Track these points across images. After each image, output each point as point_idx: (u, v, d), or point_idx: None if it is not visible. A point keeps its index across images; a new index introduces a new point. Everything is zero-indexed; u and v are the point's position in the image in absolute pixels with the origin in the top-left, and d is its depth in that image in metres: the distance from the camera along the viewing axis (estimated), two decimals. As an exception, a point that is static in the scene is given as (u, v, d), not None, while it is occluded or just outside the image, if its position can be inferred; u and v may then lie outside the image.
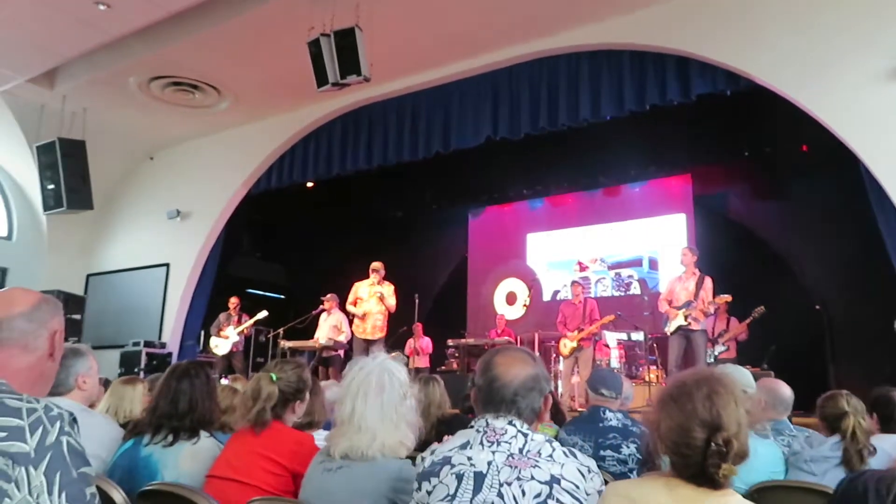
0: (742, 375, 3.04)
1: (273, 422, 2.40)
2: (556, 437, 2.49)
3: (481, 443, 1.68)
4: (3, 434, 1.20)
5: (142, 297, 9.94)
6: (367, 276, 8.24)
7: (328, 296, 8.82)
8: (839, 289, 8.66)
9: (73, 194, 8.58)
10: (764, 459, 2.77)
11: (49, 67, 8.09)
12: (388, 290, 8.18)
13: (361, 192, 10.88)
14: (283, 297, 13.05)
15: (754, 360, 7.35)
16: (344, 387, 2.09)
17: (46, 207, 8.84)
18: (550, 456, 1.64)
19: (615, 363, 8.71)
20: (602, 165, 10.12)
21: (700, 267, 7.16)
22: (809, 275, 9.31)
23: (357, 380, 2.07)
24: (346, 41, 6.14)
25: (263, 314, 8.97)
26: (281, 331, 8.86)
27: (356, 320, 8.16)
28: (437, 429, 3.26)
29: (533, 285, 10.67)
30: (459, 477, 1.63)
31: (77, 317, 9.28)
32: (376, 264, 8.19)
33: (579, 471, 1.63)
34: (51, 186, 8.63)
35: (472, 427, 1.75)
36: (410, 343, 10.09)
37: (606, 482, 1.71)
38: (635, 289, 10.79)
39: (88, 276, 10.68)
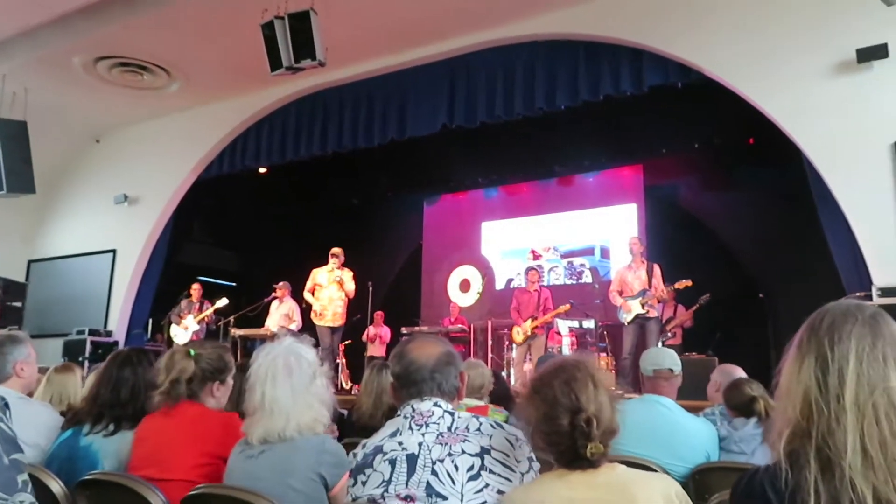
0: (666, 356, 3.13)
1: (188, 402, 2.29)
2: (506, 422, 2.52)
3: (410, 427, 1.72)
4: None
5: (87, 285, 9.65)
6: (323, 264, 8.16)
7: (280, 283, 8.72)
8: (781, 277, 8.93)
9: (13, 177, 8.24)
10: (702, 438, 2.86)
11: (-13, 44, 7.77)
12: (348, 275, 8.10)
13: (316, 178, 10.77)
14: (234, 284, 12.84)
15: (700, 346, 7.54)
16: (252, 373, 2.06)
17: (-14, 190, 8.50)
18: (478, 429, 1.70)
19: (567, 350, 8.82)
20: (556, 155, 10.21)
21: (647, 256, 7.37)
22: (754, 264, 9.59)
23: (264, 365, 2.06)
24: (300, 24, 6.03)
25: (224, 302, 8.79)
26: (232, 319, 8.72)
27: (315, 309, 8.01)
28: (388, 416, 3.25)
29: (487, 273, 10.73)
30: (392, 462, 1.66)
31: (18, 304, 8.98)
32: (336, 249, 8.09)
33: (507, 440, 1.69)
34: (-10, 169, 8.29)
35: (398, 415, 1.78)
36: (369, 330, 10.08)
37: (552, 465, 1.75)
38: (587, 277, 10.94)
39: (30, 262, 10.33)
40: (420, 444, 1.66)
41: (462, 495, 1.58)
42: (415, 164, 10.51)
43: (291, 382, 2.03)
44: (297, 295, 8.68)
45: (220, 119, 9.14)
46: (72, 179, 10.43)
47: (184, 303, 8.93)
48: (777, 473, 1.18)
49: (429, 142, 8.08)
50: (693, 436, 2.85)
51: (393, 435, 1.73)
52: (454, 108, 7.54)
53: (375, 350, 10.01)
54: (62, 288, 9.86)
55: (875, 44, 5.45)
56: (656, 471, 2.37)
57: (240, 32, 6.83)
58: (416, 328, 9.65)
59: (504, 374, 8.16)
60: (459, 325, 9.60)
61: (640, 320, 7.08)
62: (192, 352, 2.35)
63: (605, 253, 10.98)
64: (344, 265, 8.15)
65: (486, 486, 1.59)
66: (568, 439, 1.48)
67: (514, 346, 8.46)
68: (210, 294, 9.10)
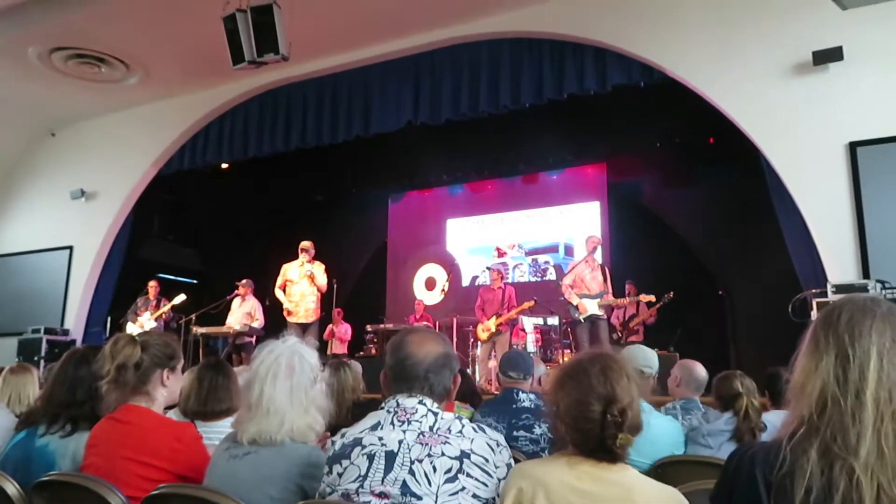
0: (645, 355, 3.17)
1: (134, 407, 2.17)
2: (471, 419, 2.52)
3: (392, 423, 1.70)
4: None
5: (42, 282, 9.40)
6: (288, 260, 8.04)
7: (243, 281, 8.60)
8: (740, 275, 9.12)
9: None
10: (664, 435, 2.91)
11: (-64, 33, 7.50)
12: (319, 269, 7.88)
13: (279, 175, 10.65)
14: (196, 282, 12.63)
15: (662, 343, 7.66)
16: (253, 370, 2.02)
17: (-66, 184, 8.23)
18: (460, 432, 1.67)
19: (531, 347, 8.88)
20: (521, 153, 10.26)
21: (603, 257, 7.56)
22: (714, 261, 9.77)
23: (266, 363, 2.01)
24: (263, 18, 5.95)
25: (181, 298, 8.55)
26: (193, 317, 8.57)
27: (287, 307, 7.76)
28: (353, 412, 3.24)
29: (452, 271, 10.74)
30: (370, 457, 1.64)
31: (-31, 302, 8.72)
32: (306, 243, 7.86)
33: (488, 444, 1.67)
34: (-61, 162, 8.03)
35: (382, 408, 1.76)
36: (329, 328, 10.01)
37: (518, 461, 1.76)
38: (551, 274, 11.02)
39: (-18, 258, 10.04)
40: (400, 442, 1.64)
41: (437, 497, 1.57)
42: (380, 161, 10.47)
43: (291, 383, 1.98)
44: (259, 293, 8.57)
45: (181, 113, 8.98)
46: (26, 174, 10.14)
47: (140, 300, 8.69)
48: (773, 454, 1.18)
49: (394, 138, 8.05)
50: (658, 434, 2.88)
51: (374, 428, 1.71)
52: (419, 105, 7.52)
53: (336, 348, 9.94)
54: (17, 285, 9.59)
55: (830, 46, 5.60)
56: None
57: (201, 25, 6.71)
58: (381, 326, 9.61)
59: (469, 371, 8.17)
60: (425, 323, 9.59)
61: (593, 318, 7.21)
62: (137, 338, 2.26)
63: (569, 250, 11.08)
64: (314, 259, 7.95)
65: (463, 489, 1.58)
66: (597, 427, 1.48)
67: (478, 343, 8.49)
68: (169, 291, 8.91)
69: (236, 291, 8.57)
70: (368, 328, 9.66)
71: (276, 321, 7.98)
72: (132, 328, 8.52)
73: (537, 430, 3.00)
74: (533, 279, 11.26)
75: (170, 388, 2.29)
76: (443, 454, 1.61)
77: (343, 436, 1.75)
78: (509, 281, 10.64)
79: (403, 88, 7.61)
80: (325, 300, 9.07)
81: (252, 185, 11.06)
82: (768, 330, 6.22)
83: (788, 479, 1.15)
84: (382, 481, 1.60)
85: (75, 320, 9.08)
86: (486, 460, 1.64)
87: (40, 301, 9.31)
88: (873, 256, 5.36)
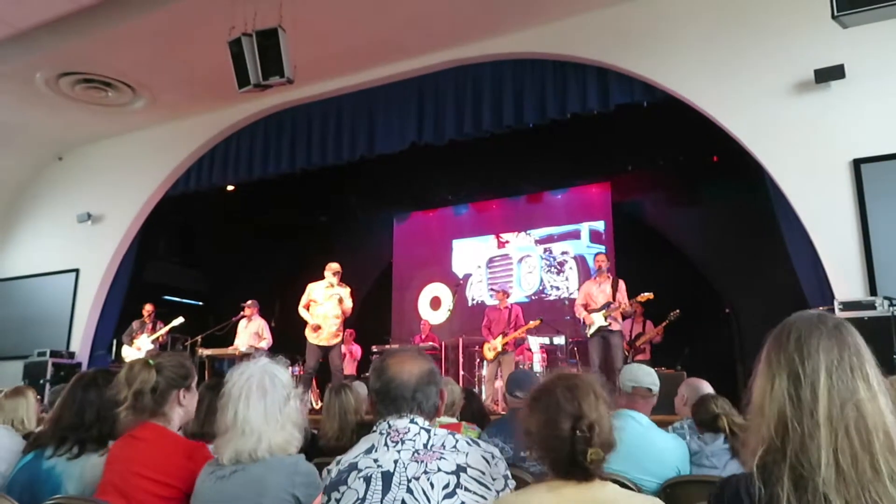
0: (648, 372, 3.15)
1: (151, 424, 2.22)
2: (479, 439, 2.51)
3: (385, 444, 1.71)
4: None
5: (48, 305, 9.41)
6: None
7: (249, 302, 8.61)
8: (746, 292, 9.09)
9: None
10: (671, 454, 2.88)
11: (-54, 60, 7.60)
12: (346, 291, 7.70)
13: (285, 196, 10.69)
14: (201, 303, 12.65)
15: (668, 361, 7.62)
16: (226, 393, 2.02)
17: (-57, 209, 8.29)
18: (454, 447, 1.68)
19: (538, 367, 8.85)
20: (525, 172, 10.29)
21: (613, 272, 7.47)
22: (720, 279, 9.75)
23: (238, 384, 2.02)
24: (268, 42, 6.01)
25: (179, 321, 8.57)
26: (199, 338, 8.57)
27: (311, 325, 7.54)
28: (358, 433, 3.23)
29: (457, 291, 10.73)
30: (367, 479, 1.64)
31: (-24, 325, 8.73)
32: (335, 265, 7.69)
33: (483, 457, 1.68)
34: (-53, 186, 8.09)
35: (374, 431, 1.77)
36: (345, 349, 9.99)
37: (525, 482, 1.75)
38: (570, 268, 10.87)
39: (-11, 282, 10.07)
40: (395, 462, 1.65)
41: None
42: (384, 182, 10.51)
43: (265, 403, 1.99)
44: (265, 313, 8.57)
45: (187, 136, 9.05)
46: (34, 198, 10.20)
47: (136, 324, 8.70)
48: (751, 485, 1.19)
49: (398, 159, 8.07)
50: (664, 452, 2.87)
51: (368, 451, 1.71)
52: (423, 126, 7.56)
53: (346, 369, 9.91)
54: (23, 308, 9.61)
55: (832, 64, 5.62)
56: (628, 486, 2.39)
57: (206, 49, 6.78)
58: (387, 346, 9.59)
59: (475, 391, 8.13)
60: (430, 343, 9.58)
61: (603, 333, 7.13)
62: (151, 361, 2.29)
63: (595, 236, 10.87)
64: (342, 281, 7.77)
65: (462, 503, 1.58)
66: (568, 445, 1.48)
67: (485, 363, 8.46)
68: (174, 313, 8.92)
69: (242, 313, 8.58)
70: (374, 349, 9.64)
71: (282, 341, 7.97)
72: (128, 351, 8.52)
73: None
74: (547, 274, 11.07)
75: (186, 406, 2.33)
76: (439, 469, 1.62)
77: (338, 463, 1.75)
78: (514, 276, 10.58)
79: (407, 110, 7.66)
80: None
81: (257, 207, 11.11)
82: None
83: None
84: (381, 502, 1.60)
85: (81, 343, 9.08)
86: (483, 473, 1.65)
87: (46, 324, 9.32)
88: (880, 273, 5.34)
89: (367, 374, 9.26)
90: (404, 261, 12.58)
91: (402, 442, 1.69)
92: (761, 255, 8.02)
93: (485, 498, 1.62)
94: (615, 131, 8.10)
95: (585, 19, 6.81)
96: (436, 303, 11.89)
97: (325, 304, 7.57)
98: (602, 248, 10.27)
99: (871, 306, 5.04)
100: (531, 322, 8.06)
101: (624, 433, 2.81)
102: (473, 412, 3.89)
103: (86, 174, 9.87)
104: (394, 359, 1.86)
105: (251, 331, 8.43)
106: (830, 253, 5.58)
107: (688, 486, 2.63)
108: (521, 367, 8.36)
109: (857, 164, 5.54)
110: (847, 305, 5.11)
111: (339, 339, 7.65)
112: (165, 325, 8.63)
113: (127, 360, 8.44)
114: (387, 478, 1.63)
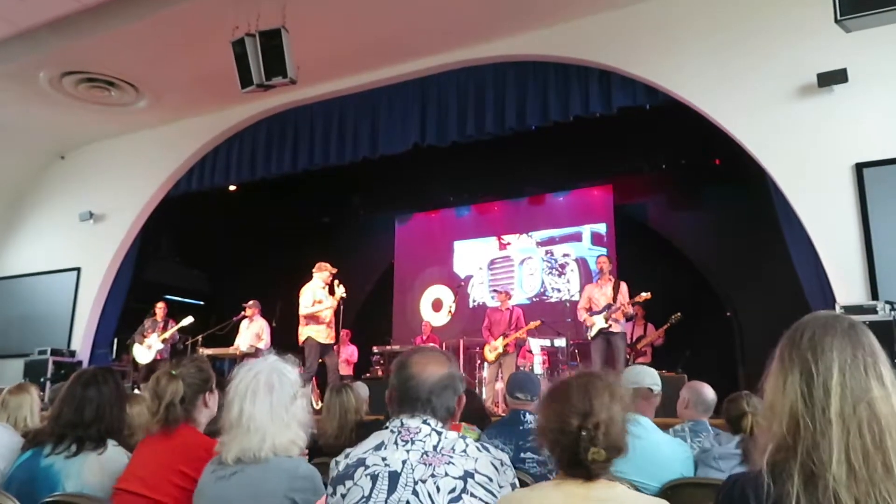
0: (650, 373, 3.14)
1: (183, 424, 2.28)
2: (478, 440, 2.51)
3: (395, 442, 1.69)
4: None
5: (50, 303, 9.42)
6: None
7: (250, 302, 8.62)
8: (748, 295, 9.08)
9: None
10: (672, 457, 2.87)
11: (-50, 58, 7.62)
12: (341, 290, 7.73)
13: (287, 196, 10.70)
14: (203, 303, 12.65)
15: (670, 364, 7.61)
16: (232, 389, 2.02)
17: (-55, 207, 8.30)
18: (464, 451, 1.67)
19: (538, 369, 8.84)
20: (528, 174, 10.30)
21: (615, 274, 7.48)
22: (721, 282, 9.73)
23: (245, 381, 2.01)
24: (271, 42, 6.03)
25: (188, 320, 8.56)
26: (200, 338, 8.58)
27: (315, 324, 7.51)
28: (357, 433, 3.24)
29: (458, 292, 10.72)
30: (374, 477, 1.63)
31: (-23, 323, 8.74)
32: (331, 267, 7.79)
33: (492, 464, 1.67)
34: (-50, 184, 8.10)
35: (386, 428, 1.75)
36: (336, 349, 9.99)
37: (525, 483, 1.75)
38: (572, 271, 10.89)
39: (-9, 280, 10.09)
40: (404, 462, 1.64)
41: None
42: (386, 183, 10.51)
43: (271, 401, 1.98)
44: (266, 314, 8.56)
45: (190, 136, 9.06)
46: (36, 196, 10.22)
47: (147, 322, 8.71)
48: (760, 482, 1.19)
49: (400, 160, 8.08)
50: (666, 455, 2.85)
51: (377, 448, 1.70)
52: (426, 127, 7.57)
53: (343, 370, 9.90)
54: (24, 307, 9.62)
55: (835, 68, 5.61)
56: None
57: (210, 49, 6.80)
58: (388, 347, 9.59)
59: (475, 391, 8.13)
60: (431, 345, 9.56)
61: (604, 335, 7.13)
62: (175, 372, 2.32)
63: (597, 238, 10.85)
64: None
65: None
66: (572, 440, 1.47)
67: (485, 364, 8.45)
68: (176, 313, 8.93)
69: (243, 313, 8.58)
70: (375, 350, 9.63)
71: (282, 342, 7.95)
72: (139, 349, 8.52)
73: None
74: (549, 276, 11.07)
75: (211, 407, 2.39)
76: (446, 474, 1.60)
77: (347, 456, 1.74)
78: (516, 278, 10.56)
79: (410, 111, 7.67)
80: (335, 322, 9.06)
81: (259, 207, 11.12)
82: (777, 351, 6.18)
83: None
84: (386, 502, 1.59)
85: (82, 342, 9.08)
86: (491, 480, 1.63)
87: (47, 322, 9.34)
88: (881, 277, 5.33)
89: (367, 375, 9.29)
90: (406, 262, 12.58)
91: (412, 442, 1.68)
92: (763, 259, 8.01)
93: None
94: (617, 134, 8.09)
95: (588, 22, 6.81)
96: (437, 304, 11.89)
97: (326, 301, 7.62)
98: (604, 251, 10.24)
99: (873, 310, 5.04)
100: (532, 323, 8.06)
101: (629, 436, 2.83)
102: (474, 413, 3.89)
103: (88, 173, 9.88)
104: (416, 357, 1.83)
105: (252, 331, 8.44)
106: (832, 256, 5.58)
107: (688, 489, 2.63)
108: (521, 368, 8.36)
109: (860, 168, 5.54)
110: (848, 309, 5.09)
111: (334, 339, 7.80)
112: (176, 323, 8.64)
113: (137, 357, 8.46)
114: (393, 478, 1.62)
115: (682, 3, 6.49)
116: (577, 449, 1.46)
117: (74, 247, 9.53)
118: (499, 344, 8.01)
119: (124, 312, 9.46)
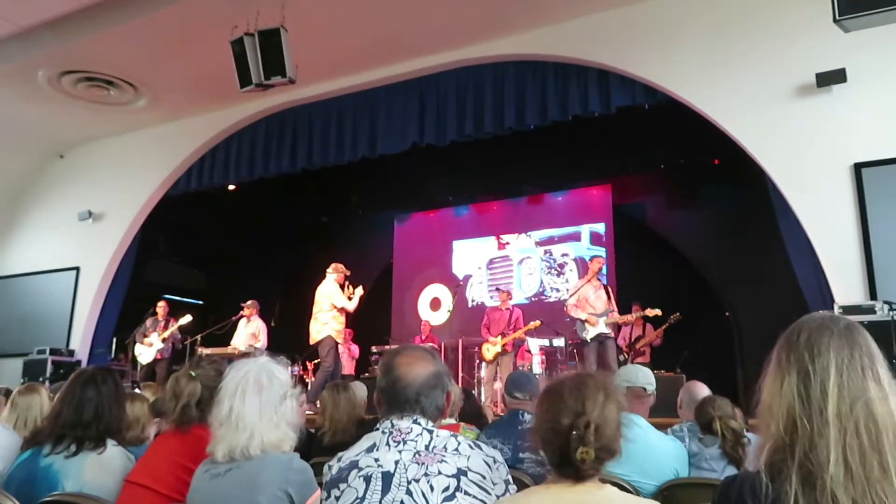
0: (643, 373, 3.15)
1: (198, 425, 2.30)
2: (476, 440, 2.51)
3: (387, 443, 1.70)
4: None
5: (48, 303, 9.41)
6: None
7: (248, 302, 8.62)
8: (747, 295, 9.08)
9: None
10: (669, 456, 2.88)
11: (-52, 57, 7.61)
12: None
13: (286, 196, 10.70)
14: (201, 303, 12.64)
15: (668, 364, 7.62)
16: (222, 388, 2.04)
17: (-57, 206, 8.29)
18: (456, 450, 1.68)
19: (537, 368, 8.85)
20: (526, 174, 10.30)
21: (611, 274, 7.56)
22: (720, 282, 9.74)
23: (235, 380, 2.03)
24: (270, 41, 6.02)
25: (187, 319, 8.59)
26: (198, 337, 8.58)
27: (336, 323, 7.57)
28: (357, 432, 3.25)
29: (457, 291, 10.72)
30: (367, 479, 1.64)
31: (-24, 322, 8.73)
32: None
33: (485, 461, 1.68)
34: (-52, 184, 8.09)
35: (377, 430, 1.76)
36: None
37: (524, 483, 1.75)
38: (571, 270, 10.87)
39: (-10, 279, 10.07)
40: (396, 462, 1.65)
41: None
42: (385, 182, 10.51)
43: (260, 400, 2.00)
44: (265, 313, 8.56)
45: (189, 135, 9.05)
46: (35, 195, 10.21)
47: (149, 321, 8.73)
48: (758, 483, 1.19)
49: (399, 160, 8.08)
50: (662, 454, 2.86)
51: (370, 450, 1.71)
52: (424, 127, 7.57)
53: (347, 369, 9.91)
54: (23, 306, 9.61)
55: (834, 68, 5.62)
56: (626, 488, 2.38)
57: (209, 48, 6.79)
58: (387, 347, 9.59)
59: (474, 392, 8.14)
60: (430, 344, 9.56)
61: (600, 338, 7.19)
62: (193, 373, 2.35)
63: (596, 238, 10.84)
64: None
65: None
66: (563, 439, 1.47)
67: (483, 364, 8.46)
68: (176, 312, 8.93)
69: (241, 312, 8.58)
70: (374, 349, 9.64)
71: (279, 343, 7.96)
72: (140, 349, 8.53)
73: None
74: (547, 276, 11.07)
75: None
76: (440, 472, 1.61)
77: (339, 460, 1.75)
78: (514, 277, 10.52)
79: (409, 110, 7.67)
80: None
81: (258, 207, 11.11)
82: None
83: None
84: (380, 502, 1.59)
85: (81, 341, 9.07)
86: (484, 477, 1.64)
87: (46, 322, 9.32)
88: (880, 277, 5.33)
89: (365, 375, 9.29)
90: (404, 261, 12.58)
91: (404, 442, 1.69)
92: (762, 259, 8.01)
93: (484, 502, 1.61)
94: (616, 133, 8.10)
95: (587, 22, 6.81)
96: (436, 303, 11.89)
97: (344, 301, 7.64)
98: (602, 251, 10.25)
99: (871, 310, 5.04)
100: (531, 323, 8.07)
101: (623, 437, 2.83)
102: (471, 413, 3.90)
103: (87, 172, 9.87)
104: (402, 358, 1.84)
105: (249, 331, 8.44)
106: (831, 256, 5.58)
107: (686, 489, 2.63)
108: (520, 368, 8.37)
109: (858, 167, 5.54)
110: (847, 309, 5.10)
111: None
112: (177, 322, 8.64)
113: (139, 357, 8.46)
114: (387, 478, 1.63)
115: (681, 2, 6.50)
116: (568, 448, 1.46)
117: (73, 246, 9.52)
118: (497, 342, 8.01)
119: (123, 312, 9.45)
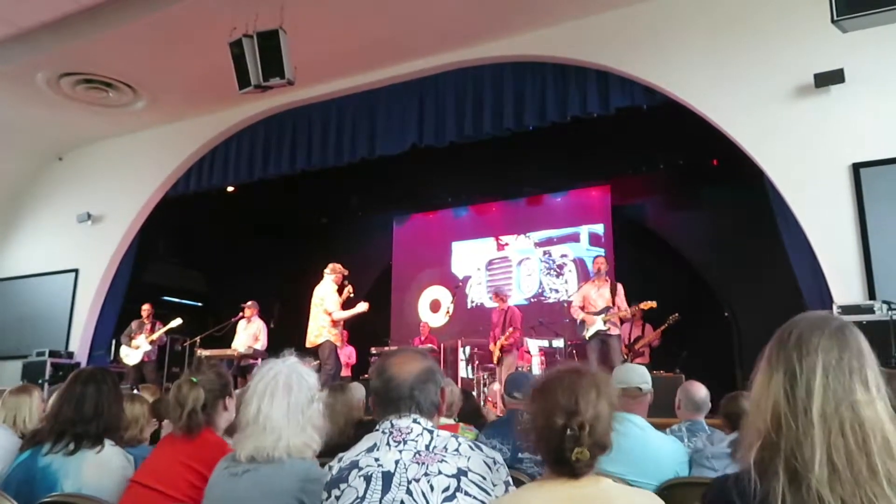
0: (639, 372, 3.15)
1: (205, 429, 2.32)
2: (475, 440, 2.51)
3: (388, 443, 1.71)
4: None
5: (48, 305, 9.40)
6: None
7: (248, 303, 8.61)
8: (746, 296, 9.09)
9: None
10: (668, 455, 2.88)
11: (-53, 59, 7.61)
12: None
13: (285, 197, 10.70)
14: (201, 304, 12.65)
15: (667, 365, 7.62)
16: (251, 388, 2.04)
17: (-57, 208, 8.29)
18: (457, 450, 1.68)
19: (537, 370, 8.85)
20: (525, 175, 10.30)
21: (612, 275, 7.51)
22: (719, 283, 9.74)
23: (265, 380, 2.04)
24: (269, 43, 6.03)
25: (177, 322, 8.57)
26: (198, 339, 8.57)
27: (334, 328, 7.52)
28: (356, 433, 3.24)
29: (456, 293, 10.72)
30: (368, 478, 1.64)
31: (-25, 325, 8.72)
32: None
33: (485, 462, 1.68)
34: (-53, 186, 8.09)
35: (377, 430, 1.77)
36: (334, 351, 9.97)
37: (522, 483, 1.75)
38: (570, 271, 10.90)
39: (-11, 281, 10.07)
40: (397, 462, 1.65)
41: None
42: (384, 184, 10.51)
43: (289, 401, 2.00)
44: (265, 314, 8.56)
45: (187, 137, 9.05)
46: (34, 198, 10.20)
47: (134, 324, 8.71)
48: (745, 482, 1.19)
49: (398, 161, 8.08)
50: (662, 454, 2.86)
51: (370, 450, 1.71)
52: (423, 128, 7.57)
53: (342, 371, 9.90)
54: (22, 308, 9.60)
55: (832, 69, 5.63)
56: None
57: (207, 50, 6.79)
58: (386, 348, 9.58)
59: (473, 393, 8.14)
60: (430, 345, 9.57)
61: (601, 336, 7.17)
62: (195, 379, 2.37)
63: (595, 239, 10.84)
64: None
65: None
66: (557, 439, 1.47)
67: (484, 366, 8.51)
68: (173, 314, 8.92)
69: (241, 314, 8.57)
70: (373, 350, 9.63)
71: (279, 344, 7.94)
72: (126, 351, 8.52)
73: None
74: (546, 277, 11.07)
75: (229, 411, 2.44)
76: (440, 472, 1.62)
77: (340, 460, 1.75)
78: (514, 278, 10.48)
79: (408, 111, 7.67)
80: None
81: (257, 208, 11.11)
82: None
83: None
84: (381, 502, 1.60)
85: (80, 343, 9.07)
86: (484, 478, 1.64)
87: (45, 324, 9.32)
88: (878, 277, 5.33)
89: (364, 376, 9.29)
90: (404, 262, 12.57)
91: (405, 442, 1.69)
92: (760, 259, 8.02)
93: (484, 503, 1.61)
94: (615, 134, 8.11)
95: (586, 23, 6.82)
96: (435, 305, 11.89)
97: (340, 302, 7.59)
98: (601, 252, 10.25)
99: (870, 310, 5.04)
100: (508, 330, 8.11)
101: (621, 436, 2.83)
102: (470, 413, 3.90)
103: (86, 174, 9.87)
104: (393, 358, 1.86)
105: (250, 332, 8.43)
106: (829, 257, 5.58)
107: (685, 488, 2.63)
108: (520, 369, 8.38)
109: (857, 168, 5.55)
110: (846, 309, 5.10)
111: None
112: (164, 325, 8.63)
113: (125, 359, 8.45)
114: (387, 478, 1.63)
115: (680, 3, 6.51)
116: (562, 448, 1.46)
117: (72, 248, 9.52)
118: (495, 346, 8.09)
119: (122, 314, 9.44)
